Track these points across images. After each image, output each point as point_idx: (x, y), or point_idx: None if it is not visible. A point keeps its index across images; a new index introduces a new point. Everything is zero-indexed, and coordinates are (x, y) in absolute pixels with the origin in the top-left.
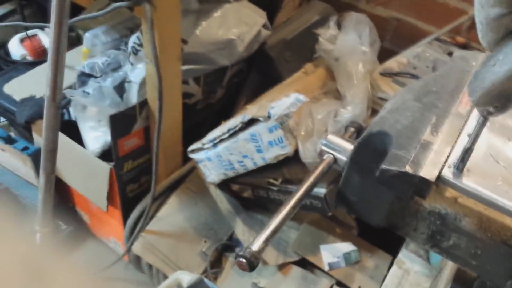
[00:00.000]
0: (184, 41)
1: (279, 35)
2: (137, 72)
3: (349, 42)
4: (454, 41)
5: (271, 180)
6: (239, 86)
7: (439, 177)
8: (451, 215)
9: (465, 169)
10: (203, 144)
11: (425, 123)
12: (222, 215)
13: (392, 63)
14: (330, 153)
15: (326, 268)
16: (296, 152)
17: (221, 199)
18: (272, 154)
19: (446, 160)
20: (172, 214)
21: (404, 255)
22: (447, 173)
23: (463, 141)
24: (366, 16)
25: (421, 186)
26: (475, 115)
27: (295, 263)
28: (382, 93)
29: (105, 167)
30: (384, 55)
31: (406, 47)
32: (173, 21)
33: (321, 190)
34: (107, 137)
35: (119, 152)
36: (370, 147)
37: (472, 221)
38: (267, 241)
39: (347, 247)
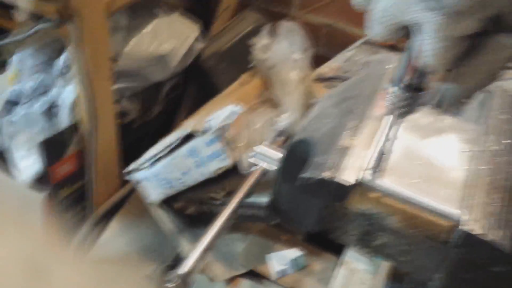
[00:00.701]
0: (114, 59)
1: (213, 47)
2: (67, 94)
3: (282, 50)
4: (382, 43)
5: (213, 195)
6: (177, 101)
7: (358, 180)
8: (377, 215)
9: (382, 170)
10: (140, 164)
11: (344, 128)
12: (166, 235)
13: (325, 69)
14: (260, 164)
15: (275, 276)
16: (237, 163)
17: (164, 219)
18: (212, 168)
19: (364, 163)
20: (114, 239)
21: (348, 255)
22: (365, 176)
23: (379, 143)
24: (298, 24)
25: (341, 191)
26: (389, 117)
27: (244, 275)
28: (316, 99)
29: (38, 197)
30: (318, 61)
31: (339, 52)
32: (101, 40)
33: (263, 200)
34: (39, 165)
35: (53, 180)
36: (295, 156)
37: (397, 219)
38: (198, 261)
39: (293, 253)
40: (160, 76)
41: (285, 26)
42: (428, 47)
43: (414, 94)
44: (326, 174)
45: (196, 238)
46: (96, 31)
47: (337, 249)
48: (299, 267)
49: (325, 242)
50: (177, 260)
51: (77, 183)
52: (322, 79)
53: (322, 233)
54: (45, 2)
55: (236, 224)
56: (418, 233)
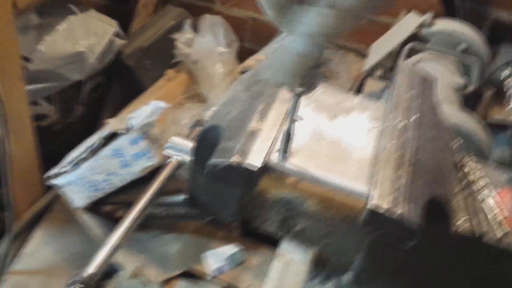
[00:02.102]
0: (27, 59)
1: (135, 43)
2: None
3: (206, 44)
4: None
5: None
6: (101, 101)
7: (265, 165)
8: (295, 200)
9: (291, 151)
10: (62, 168)
11: (253, 111)
12: (95, 241)
13: (251, 61)
14: (175, 156)
15: (213, 274)
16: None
17: (91, 224)
18: (139, 167)
19: (272, 145)
20: (40, 249)
21: (283, 246)
22: (274, 158)
23: (287, 125)
24: (221, 17)
25: (250, 175)
26: (296, 98)
27: (180, 276)
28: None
29: None
30: (245, 54)
31: (265, 45)
32: (8, 38)
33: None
34: None
35: None
36: (207, 143)
37: (313, 202)
38: (103, 263)
39: (231, 249)
40: (79, 75)
41: (209, 20)
42: None
43: (311, 70)
44: (233, 160)
45: (128, 241)
46: (3, 30)
47: (274, 242)
48: (236, 263)
49: (262, 236)
50: (110, 265)
51: None
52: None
53: (244, 223)
54: None
55: (170, 224)
56: (335, 215)
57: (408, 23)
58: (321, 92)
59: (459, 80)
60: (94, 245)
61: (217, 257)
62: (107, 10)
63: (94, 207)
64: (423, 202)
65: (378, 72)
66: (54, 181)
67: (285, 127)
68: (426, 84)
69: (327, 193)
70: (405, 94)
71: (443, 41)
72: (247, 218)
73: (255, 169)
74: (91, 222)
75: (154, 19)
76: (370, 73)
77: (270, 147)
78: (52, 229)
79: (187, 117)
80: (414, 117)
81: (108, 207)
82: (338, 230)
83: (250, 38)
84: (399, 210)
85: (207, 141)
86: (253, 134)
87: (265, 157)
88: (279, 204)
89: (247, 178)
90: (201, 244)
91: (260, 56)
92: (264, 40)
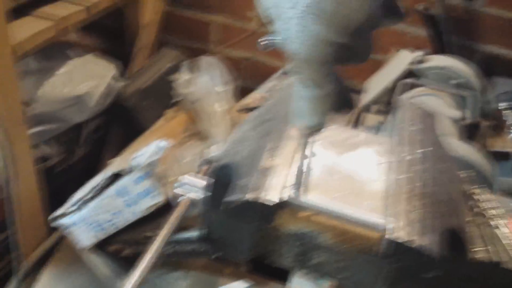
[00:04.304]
0: (27, 103)
1: (133, 85)
2: None
3: (203, 84)
4: None
5: (149, 234)
6: (102, 142)
7: (282, 199)
8: (308, 234)
9: (304, 187)
10: (67, 209)
11: (262, 150)
12: (101, 282)
13: (248, 100)
14: (185, 195)
15: None
16: (170, 199)
17: (97, 265)
18: (143, 206)
19: (286, 182)
20: None
21: (294, 281)
22: (287, 194)
23: (299, 161)
24: (216, 58)
25: (266, 211)
26: (305, 136)
27: None
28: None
29: None
30: (242, 93)
31: (261, 83)
32: (9, 84)
33: (194, 234)
34: None
35: None
36: (219, 181)
37: (328, 236)
38: None
39: (239, 285)
40: (79, 118)
41: (205, 61)
42: None
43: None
44: (249, 196)
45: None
46: (4, 75)
47: (281, 276)
48: None
49: (269, 271)
50: None
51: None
52: (246, 110)
53: (258, 258)
54: None
55: (177, 261)
56: (351, 248)
57: (400, 60)
58: (328, 129)
59: (456, 113)
60: (101, 285)
61: None
62: (104, 53)
63: (100, 247)
64: (440, 232)
65: (375, 107)
66: (59, 222)
67: (297, 163)
68: (427, 118)
69: (342, 226)
70: (408, 128)
71: (437, 76)
72: (261, 253)
73: (272, 205)
74: (98, 262)
75: (152, 61)
76: (366, 108)
77: (283, 183)
78: (59, 269)
79: (189, 155)
80: (420, 150)
81: (114, 246)
82: (356, 263)
83: (246, 77)
84: (418, 240)
85: (220, 179)
86: (265, 171)
87: (280, 193)
88: (293, 238)
89: (263, 214)
90: (210, 281)
91: (257, 94)
92: (259, 79)
